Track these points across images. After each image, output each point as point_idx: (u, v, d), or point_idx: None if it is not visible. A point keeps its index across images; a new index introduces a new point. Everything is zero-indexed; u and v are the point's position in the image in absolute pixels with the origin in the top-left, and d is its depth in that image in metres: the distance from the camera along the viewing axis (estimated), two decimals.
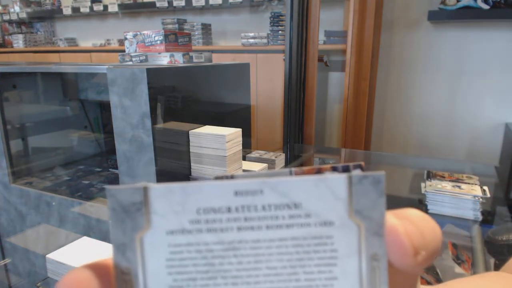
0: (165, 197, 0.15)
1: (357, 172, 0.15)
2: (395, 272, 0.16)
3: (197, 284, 0.15)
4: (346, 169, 0.17)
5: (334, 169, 0.17)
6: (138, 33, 1.20)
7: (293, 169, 0.18)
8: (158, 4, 2.72)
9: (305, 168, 0.17)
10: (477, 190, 0.95)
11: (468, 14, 1.78)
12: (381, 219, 0.15)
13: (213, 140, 0.99)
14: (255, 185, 0.15)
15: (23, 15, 3.58)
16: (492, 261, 0.79)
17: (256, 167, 1.13)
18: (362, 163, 0.17)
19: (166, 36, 1.16)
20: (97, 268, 0.15)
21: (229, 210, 0.15)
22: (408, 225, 0.15)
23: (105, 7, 3.01)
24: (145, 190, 0.15)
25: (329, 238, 0.15)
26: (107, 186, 0.15)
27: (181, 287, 0.15)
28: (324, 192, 0.15)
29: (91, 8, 3.08)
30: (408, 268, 0.15)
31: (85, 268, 0.15)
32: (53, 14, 3.53)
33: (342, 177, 0.15)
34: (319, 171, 0.17)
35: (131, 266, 0.15)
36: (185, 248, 0.15)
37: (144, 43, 1.19)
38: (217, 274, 0.15)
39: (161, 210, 0.15)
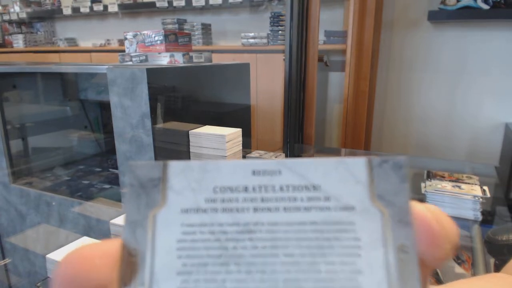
0: (183, 173, 0.15)
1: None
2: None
3: (208, 270, 0.14)
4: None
5: None
6: (138, 33, 1.20)
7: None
8: (158, 4, 2.72)
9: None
10: (477, 190, 0.95)
11: (468, 14, 1.78)
12: (406, 206, 0.14)
13: (213, 140, 0.99)
14: (273, 165, 0.15)
15: (23, 15, 3.58)
16: (492, 261, 0.79)
17: None
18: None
19: (166, 36, 1.16)
20: (103, 247, 0.14)
21: (246, 189, 0.15)
22: (438, 214, 0.14)
23: (105, 7, 3.01)
24: (164, 166, 0.15)
25: (351, 224, 0.14)
26: (130, 162, 0.15)
27: (190, 273, 0.14)
28: (343, 175, 0.15)
29: (91, 8, 3.08)
30: (436, 261, 0.14)
31: (91, 246, 0.14)
32: (53, 14, 3.53)
33: (361, 160, 0.15)
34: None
35: (139, 248, 0.14)
36: (198, 229, 0.15)
37: (144, 43, 1.19)
38: (230, 260, 0.14)
39: (178, 186, 0.15)
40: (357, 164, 0.15)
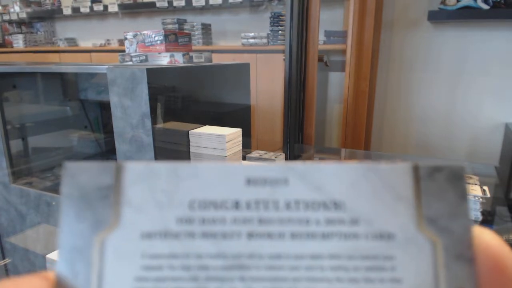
0: (145, 181, 0.11)
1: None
2: None
3: None
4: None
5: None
6: (138, 33, 1.20)
7: (307, 162, 0.13)
8: (158, 4, 2.72)
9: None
10: (477, 190, 0.95)
11: (468, 14, 1.78)
12: (467, 234, 0.10)
13: (213, 140, 0.99)
14: (277, 171, 0.11)
15: (23, 15, 3.58)
16: None
17: None
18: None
19: (166, 36, 1.16)
20: (28, 286, 0.10)
21: (237, 205, 0.11)
22: (505, 246, 0.10)
23: (105, 7, 3.01)
24: (118, 169, 0.11)
25: (389, 259, 0.10)
26: (66, 163, 0.11)
27: None
28: (377, 188, 0.10)
29: (91, 8, 3.08)
30: None
31: (11, 285, 0.10)
32: (53, 14, 3.53)
33: (404, 166, 0.11)
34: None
35: (79, 287, 0.10)
36: (167, 262, 0.10)
37: (144, 43, 1.19)
38: None
39: (138, 200, 0.11)
40: (398, 173, 0.10)
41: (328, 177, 0.10)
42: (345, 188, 0.10)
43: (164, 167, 0.11)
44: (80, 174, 0.11)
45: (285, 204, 0.11)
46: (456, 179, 0.10)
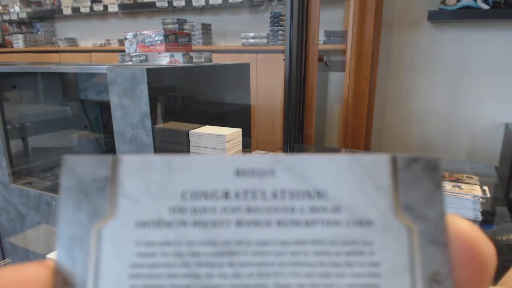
0: (140, 173, 0.11)
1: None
2: None
3: None
4: None
5: None
6: (138, 33, 1.20)
7: None
8: (158, 4, 2.72)
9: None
10: (477, 190, 0.95)
11: (468, 14, 1.78)
12: (442, 221, 0.11)
13: (213, 140, 0.99)
14: (264, 163, 0.11)
15: (23, 15, 3.58)
16: None
17: None
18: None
19: (166, 36, 1.16)
20: (28, 273, 0.11)
21: (226, 195, 0.11)
22: (479, 232, 0.11)
23: (105, 7, 3.01)
24: (115, 162, 0.11)
25: (368, 244, 0.11)
26: (65, 156, 0.11)
27: None
28: (359, 178, 0.11)
29: (91, 8, 3.08)
30: None
31: (11, 272, 0.10)
32: (53, 14, 3.53)
33: (383, 158, 0.11)
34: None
35: (77, 274, 0.11)
36: (160, 249, 0.11)
37: (144, 43, 1.19)
38: None
39: (133, 191, 0.11)
40: (377, 164, 0.11)
41: (313, 168, 0.11)
42: (329, 178, 0.11)
43: (159, 160, 0.11)
44: (78, 167, 0.11)
45: (272, 194, 0.11)
46: (431, 169, 0.11)
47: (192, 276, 0.11)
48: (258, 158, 0.11)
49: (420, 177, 0.11)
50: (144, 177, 0.11)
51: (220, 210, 0.11)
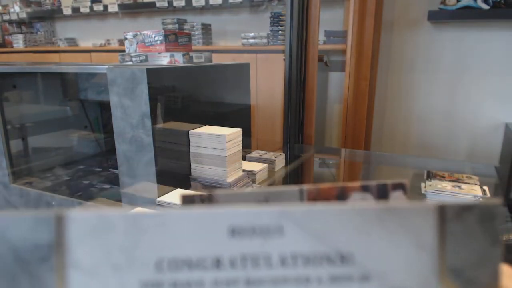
0: (97, 235, 0.08)
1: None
2: None
3: None
4: (383, 191, 0.10)
5: (365, 189, 0.10)
6: (138, 33, 1.20)
7: (305, 187, 0.10)
8: (158, 4, 2.72)
9: (321, 186, 0.10)
10: (477, 190, 0.95)
11: (468, 14, 1.78)
12: (495, 284, 0.08)
13: (213, 140, 0.99)
14: (269, 217, 0.08)
15: (23, 15, 3.58)
16: None
17: (256, 167, 1.13)
18: (405, 181, 0.10)
19: (166, 36, 1.16)
20: None
21: (218, 264, 0.08)
22: None
23: (105, 7, 3.01)
24: (59, 221, 0.08)
25: None
26: None
27: None
28: (393, 235, 0.08)
29: (91, 8, 3.08)
30: None
31: None
32: (53, 14, 3.53)
33: (428, 208, 0.09)
34: (343, 193, 0.10)
35: None
36: None
37: (144, 43, 1.19)
38: None
39: (89, 261, 0.08)
40: (418, 215, 0.08)
41: (334, 222, 0.08)
42: (354, 236, 0.08)
43: (122, 217, 0.08)
44: (10, 230, 0.08)
45: (279, 259, 0.08)
46: (488, 218, 0.08)
47: None
48: (259, 211, 0.08)
49: (473, 230, 0.08)
50: (103, 240, 0.08)
51: (210, 283, 0.08)
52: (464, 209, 0.08)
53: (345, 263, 0.08)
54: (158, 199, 0.91)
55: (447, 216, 0.08)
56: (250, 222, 0.08)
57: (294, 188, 0.10)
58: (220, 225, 0.08)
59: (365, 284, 0.08)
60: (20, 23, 3.75)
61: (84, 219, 0.08)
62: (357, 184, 0.10)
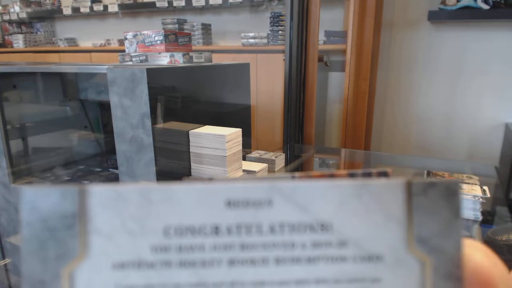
0: (113, 206, 0.10)
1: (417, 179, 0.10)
2: None
3: None
4: (368, 178, 0.12)
5: (352, 175, 0.11)
6: (138, 33, 1.20)
7: (297, 174, 0.12)
8: (158, 4, 2.72)
9: (312, 173, 0.11)
10: (477, 190, 0.95)
11: (468, 14, 1.78)
12: (458, 252, 0.10)
13: (213, 140, 0.99)
14: (260, 191, 0.10)
15: (23, 15, 3.58)
16: None
17: (256, 167, 1.13)
18: (389, 170, 0.11)
19: (166, 36, 1.16)
20: None
21: (216, 231, 0.10)
22: (498, 267, 0.10)
23: (105, 7, 3.01)
24: (82, 194, 0.10)
25: (376, 282, 0.10)
26: (23, 188, 0.10)
27: None
28: (368, 207, 0.10)
29: (91, 8, 3.08)
30: None
31: None
32: (53, 14, 3.53)
33: (395, 183, 0.10)
34: (331, 178, 0.11)
35: None
36: None
37: (144, 43, 1.19)
38: None
39: (107, 227, 0.10)
40: (389, 190, 0.10)
41: (316, 196, 0.10)
42: (334, 208, 0.10)
43: (134, 190, 0.10)
44: (40, 201, 0.10)
45: (269, 228, 0.10)
46: (450, 194, 0.10)
47: None
48: (252, 186, 0.10)
49: (437, 205, 0.10)
50: (118, 211, 0.10)
51: (209, 247, 0.10)
52: (429, 185, 0.10)
53: (325, 231, 0.10)
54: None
55: (414, 191, 0.10)
56: (244, 195, 0.10)
57: (287, 175, 0.12)
58: (218, 197, 0.10)
59: (342, 249, 0.10)
60: (20, 23, 3.75)
61: (103, 192, 0.10)
62: (344, 172, 0.11)
